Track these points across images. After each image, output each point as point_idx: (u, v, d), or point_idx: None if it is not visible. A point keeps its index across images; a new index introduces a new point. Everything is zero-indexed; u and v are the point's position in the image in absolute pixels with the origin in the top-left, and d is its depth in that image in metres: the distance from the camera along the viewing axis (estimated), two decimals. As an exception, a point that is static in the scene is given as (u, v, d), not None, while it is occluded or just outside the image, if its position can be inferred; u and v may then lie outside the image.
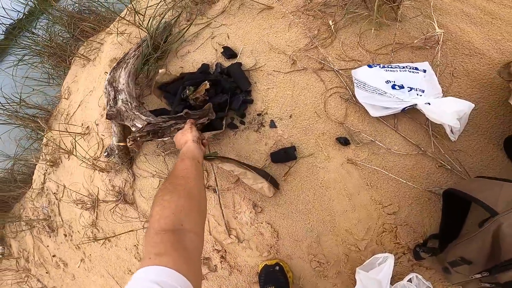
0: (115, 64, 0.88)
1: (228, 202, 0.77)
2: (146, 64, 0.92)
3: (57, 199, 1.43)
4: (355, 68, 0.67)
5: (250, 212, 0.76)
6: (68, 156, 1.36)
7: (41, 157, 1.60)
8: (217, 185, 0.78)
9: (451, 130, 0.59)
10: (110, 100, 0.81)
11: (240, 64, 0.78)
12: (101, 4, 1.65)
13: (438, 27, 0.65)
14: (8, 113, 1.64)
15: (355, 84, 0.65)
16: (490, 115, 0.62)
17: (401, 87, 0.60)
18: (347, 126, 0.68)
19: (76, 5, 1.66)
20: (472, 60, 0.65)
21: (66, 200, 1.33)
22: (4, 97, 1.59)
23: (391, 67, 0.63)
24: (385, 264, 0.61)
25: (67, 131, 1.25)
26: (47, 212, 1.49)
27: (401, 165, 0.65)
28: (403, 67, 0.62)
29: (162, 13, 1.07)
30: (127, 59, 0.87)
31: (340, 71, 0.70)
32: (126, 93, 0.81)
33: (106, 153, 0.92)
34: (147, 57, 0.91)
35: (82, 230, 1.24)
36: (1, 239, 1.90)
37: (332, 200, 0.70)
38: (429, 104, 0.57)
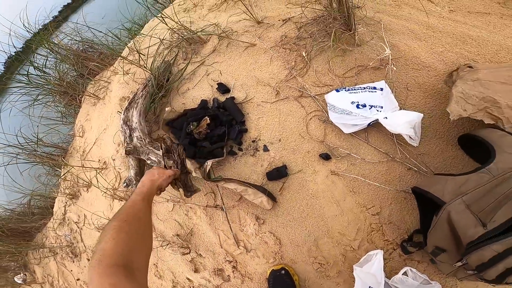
0: (127, 105, 1.06)
1: (234, 218, 0.92)
2: (153, 103, 1.10)
3: (78, 228, 1.60)
4: (327, 92, 0.82)
5: (254, 224, 0.90)
6: (87, 189, 1.54)
7: (60, 191, 1.78)
8: (223, 204, 0.93)
9: (410, 137, 0.72)
10: (126, 137, 0.98)
11: (233, 98, 0.95)
12: (102, 43, 1.88)
13: (388, 47, 0.80)
14: (28, 152, 1.85)
15: (328, 107, 0.80)
16: (444, 120, 0.75)
17: (364, 105, 0.75)
18: (327, 144, 0.83)
19: (80, 43, 1.90)
20: (421, 73, 0.80)
21: (88, 228, 1.50)
22: (23, 137, 1.81)
23: (354, 89, 0.77)
24: (376, 258, 0.73)
25: (86, 166, 1.44)
26: (70, 240, 1.66)
27: (376, 171, 0.78)
28: (364, 88, 0.76)
29: (160, 53, 1.27)
30: (137, 99, 1.06)
31: (316, 97, 0.86)
32: (140, 131, 0.98)
33: (125, 183, 1.08)
34: (153, 96, 1.09)
35: None
36: (24, 266, 2.07)
37: (323, 207, 0.84)
38: (386, 118, 0.71)
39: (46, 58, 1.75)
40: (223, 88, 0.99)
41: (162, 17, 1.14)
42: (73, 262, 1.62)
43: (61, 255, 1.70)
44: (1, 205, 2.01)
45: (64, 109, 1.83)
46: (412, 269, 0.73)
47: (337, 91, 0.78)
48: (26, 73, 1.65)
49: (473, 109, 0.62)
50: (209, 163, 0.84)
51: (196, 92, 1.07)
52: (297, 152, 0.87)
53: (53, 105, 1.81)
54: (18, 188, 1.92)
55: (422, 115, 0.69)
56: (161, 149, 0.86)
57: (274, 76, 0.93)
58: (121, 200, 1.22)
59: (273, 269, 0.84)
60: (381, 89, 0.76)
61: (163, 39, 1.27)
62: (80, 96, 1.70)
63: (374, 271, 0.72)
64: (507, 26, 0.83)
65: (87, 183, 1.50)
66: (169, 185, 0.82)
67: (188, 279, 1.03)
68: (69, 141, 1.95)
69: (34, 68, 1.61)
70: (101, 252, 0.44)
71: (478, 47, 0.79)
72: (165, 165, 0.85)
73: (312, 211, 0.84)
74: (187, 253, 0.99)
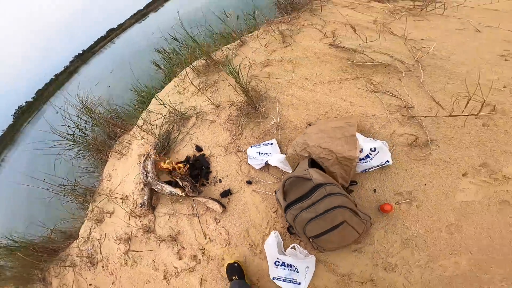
0: (144, 158, 1.90)
1: (203, 220, 1.67)
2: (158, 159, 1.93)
3: (99, 243, 2.27)
4: (248, 148, 1.65)
5: (213, 223, 1.64)
6: (110, 215, 2.27)
7: (88, 218, 2.51)
8: (197, 212, 1.67)
9: (284, 167, 1.51)
10: (144, 177, 1.81)
11: (204, 154, 1.79)
12: (123, 113, 2.85)
13: (277, 117, 1.65)
14: (67, 191, 2.64)
15: (248, 157, 1.62)
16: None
17: (262, 153, 1.57)
18: (250, 175, 1.64)
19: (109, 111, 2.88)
20: (294, 132, 1.63)
21: (107, 242, 2.17)
22: (66, 179, 2.64)
23: (259, 145, 1.61)
24: (274, 235, 1.44)
25: (115, 197, 2.21)
26: (91, 253, 2.29)
27: (273, 188, 1.55)
28: (265, 144, 1.60)
29: (162, 125, 2.17)
30: (150, 155, 1.90)
31: (244, 151, 1.69)
32: (152, 173, 1.82)
33: (141, 204, 1.85)
34: (159, 153, 1.93)
35: (117, 260, 2.04)
36: (43, 279, 2.49)
37: (249, 210, 1.59)
38: (270, 159, 1.52)
39: (86, 122, 2.71)
40: (198, 149, 1.85)
41: (163, 102, 2.07)
42: (89, 270, 2.14)
43: (80, 266, 2.26)
44: (43, 227, 2.73)
45: (95, 161, 2.70)
46: (297, 245, 1.42)
47: (251, 147, 1.63)
48: (71, 133, 2.59)
49: (299, 149, 1.42)
50: (186, 188, 1.62)
51: (184, 151, 1.93)
52: (235, 181, 1.67)
53: (88, 158, 2.68)
54: (57, 217, 2.68)
55: (284, 155, 1.50)
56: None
57: (224, 140, 1.79)
58: (136, 217, 1.96)
59: (229, 262, 1.52)
60: (272, 144, 1.59)
61: (165, 115, 2.19)
62: (107, 152, 2.57)
63: (271, 242, 1.42)
64: (342, 89, 1.69)
65: (110, 211, 2.25)
66: (179, 182, 1.62)
67: (174, 266, 1.71)
68: (96, 185, 2.76)
69: (79, 130, 2.52)
70: None
71: (321, 109, 1.64)
72: (181, 186, 1.66)
73: (244, 213, 1.59)
74: (176, 248, 1.69)
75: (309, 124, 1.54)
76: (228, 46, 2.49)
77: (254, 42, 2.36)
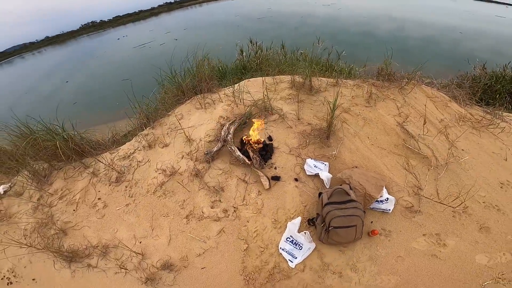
0: (230, 122, 2.58)
1: (249, 187, 2.27)
2: (238, 127, 2.55)
3: (138, 165, 2.80)
4: (307, 159, 2.31)
5: (256, 194, 2.28)
6: (163, 146, 2.81)
7: (136, 139, 3.01)
8: (248, 180, 2.28)
9: (325, 182, 2.19)
10: (225, 134, 2.49)
11: (272, 144, 2.45)
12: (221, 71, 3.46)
13: (335, 150, 2.33)
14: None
15: (305, 163, 2.30)
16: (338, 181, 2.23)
17: (317, 167, 2.25)
18: (299, 176, 2.29)
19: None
20: (342, 166, 2.32)
21: (146, 167, 2.68)
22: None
23: (317, 161, 2.28)
24: (297, 219, 2.09)
25: (174, 130, 2.76)
26: (124, 170, 2.75)
27: (311, 189, 2.21)
28: (321, 162, 2.29)
29: (251, 105, 2.81)
30: (234, 122, 2.57)
31: (303, 158, 2.35)
32: (231, 135, 2.51)
33: (207, 152, 2.44)
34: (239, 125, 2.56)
35: (146, 186, 2.58)
36: (44, 176, 2.63)
37: (286, 197, 2.24)
38: (321, 170, 2.22)
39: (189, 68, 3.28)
40: (270, 138, 2.53)
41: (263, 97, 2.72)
42: (109, 185, 2.55)
43: (100, 178, 2.61)
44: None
45: (173, 101, 3.24)
46: (308, 232, 2.11)
47: (311, 159, 2.33)
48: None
49: (344, 176, 2.18)
50: (254, 161, 2.24)
51: (259, 134, 2.55)
52: (286, 174, 2.39)
53: (170, 93, 3.23)
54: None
55: (331, 175, 2.18)
56: (249, 150, 2.30)
57: (292, 143, 2.54)
58: (192, 160, 2.52)
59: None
60: (325, 164, 2.29)
61: (257, 101, 2.83)
62: (187, 98, 3.13)
63: (296, 222, 2.07)
64: (387, 157, 2.46)
65: (165, 143, 2.79)
66: (250, 153, 2.24)
67: (202, 212, 2.31)
68: (162, 116, 3.29)
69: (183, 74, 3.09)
70: None
71: (367, 162, 2.37)
72: (248, 157, 2.27)
73: (281, 196, 2.29)
74: (214, 198, 2.27)
75: (355, 167, 2.25)
76: (323, 78, 3.21)
77: (345, 88, 3.11)
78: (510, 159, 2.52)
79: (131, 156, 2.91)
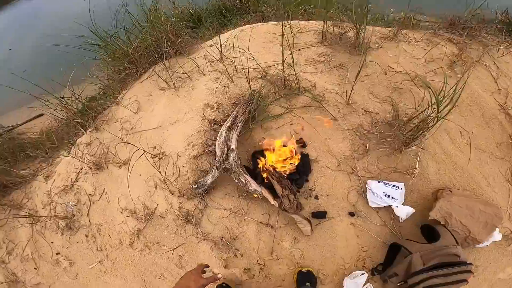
0: (228, 124, 1.32)
1: (277, 234, 1.37)
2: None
3: (90, 201, 1.70)
4: (370, 179, 1.33)
5: (291, 242, 1.38)
6: (120, 166, 1.65)
7: (73, 152, 1.78)
8: (276, 224, 1.35)
9: (400, 219, 1.32)
10: (223, 154, 1.28)
11: (308, 155, 1.34)
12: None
13: (418, 166, 1.34)
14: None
15: (368, 188, 1.31)
16: (424, 214, 1.37)
17: (388, 196, 1.30)
18: (356, 207, 1.36)
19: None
20: (426, 185, 1.38)
21: (103, 204, 1.61)
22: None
23: (387, 184, 1.31)
24: (362, 276, 1.32)
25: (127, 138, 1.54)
26: (72, 211, 1.71)
27: (374, 229, 1.37)
28: (393, 185, 1.31)
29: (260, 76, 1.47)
30: (237, 123, 1.34)
31: (361, 177, 1.36)
32: (236, 153, 1.30)
33: (196, 186, 1.36)
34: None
35: (116, 235, 1.58)
36: None
37: (337, 241, 1.39)
38: (397, 206, 1.29)
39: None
40: (302, 143, 1.37)
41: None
42: (62, 234, 1.68)
43: (45, 224, 1.72)
44: None
45: (114, 77, 1.77)
46: (371, 285, 1.38)
47: (379, 182, 1.31)
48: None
49: (440, 215, 1.26)
50: (285, 201, 1.24)
51: (277, 133, 1.42)
52: (335, 206, 1.39)
53: (112, 68, 1.74)
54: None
55: (413, 210, 1.30)
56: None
57: (341, 151, 1.38)
58: (172, 193, 1.46)
59: (300, 269, 1.35)
60: (400, 188, 1.33)
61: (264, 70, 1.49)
62: (142, 71, 1.69)
63: (359, 282, 1.32)
64: (487, 164, 1.46)
65: (122, 161, 1.62)
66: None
67: (213, 272, 1.40)
68: (103, 105, 1.89)
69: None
70: None
71: (461, 178, 1.41)
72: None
73: (330, 242, 1.39)
74: (224, 254, 1.38)
75: (450, 191, 1.33)
76: (377, 29, 1.74)
77: (409, 45, 1.69)
78: None
79: (75, 186, 1.77)
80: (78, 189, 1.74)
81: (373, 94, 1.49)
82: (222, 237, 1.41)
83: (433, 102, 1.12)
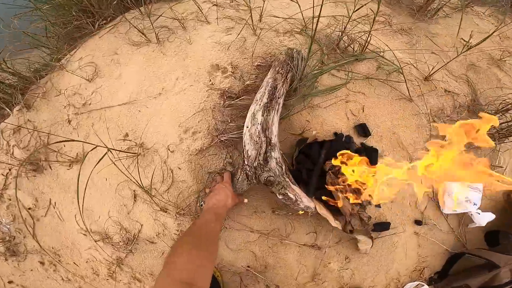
0: (265, 100, 0.75)
1: (323, 255, 0.97)
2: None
3: (32, 218, 1.08)
4: (446, 179, 0.97)
5: (341, 262, 1.00)
6: (70, 165, 1.02)
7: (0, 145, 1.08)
8: (326, 245, 0.95)
9: (477, 225, 1.02)
10: (259, 155, 0.72)
11: (377, 150, 0.90)
12: None
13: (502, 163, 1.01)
14: None
15: (446, 193, 0.96)
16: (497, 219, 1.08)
17: (469, 201, 0.97)
18: (425, 214, 1.01)
19: None
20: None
21: (53, 220, 1.03)
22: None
23: (471, 187, 0.97)
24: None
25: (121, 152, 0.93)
26: (9, 231, 1.12)
27: (440, 237, 1.05)
28: (474, 188, 0.98)
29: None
30: (278, 98, 0.76)
31: (434, 178, 0.99)
32: (279, 150, 0.75)
33: (202, 203, 0.84)
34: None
35: (87, 264, 1.04)
36: None
37: (395, 254, 1.04)
38: (478, 213, 0.97)
39: None
40: (363, 130, 0.91)
41: None
42: (5, 260, 1.13)
43: None
44: None
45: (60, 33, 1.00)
46: None
47: (455, 183, 0.95)
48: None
49: None
50: (354, 221, 0.82)
51: (327, 114, 0.92)
52: (399, 214, 1.00)
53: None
54: None
55: (494, 216, 1.00)
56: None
57: (414, 143, 0.96)
58: (165, 211, 0.92)
59: None
60: (481, 191, 1.00)
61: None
62: (103, 22, 0.96)
63: None
64: None
65: (71, 158, 0.99)
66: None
67: None
68: (40, 72, 1.15)
69: None
70: (172, 265, 0.48)
71: None
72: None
73: (388, 255, 1.03)
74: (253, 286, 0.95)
75: None
76: None
77: (477, 18, 1.28)
78: None
79: (5, 196, 1.07)
80: (10, 200, 1.06)
81: (448, 70, 1.06)
82: (249, 266, 0.96)
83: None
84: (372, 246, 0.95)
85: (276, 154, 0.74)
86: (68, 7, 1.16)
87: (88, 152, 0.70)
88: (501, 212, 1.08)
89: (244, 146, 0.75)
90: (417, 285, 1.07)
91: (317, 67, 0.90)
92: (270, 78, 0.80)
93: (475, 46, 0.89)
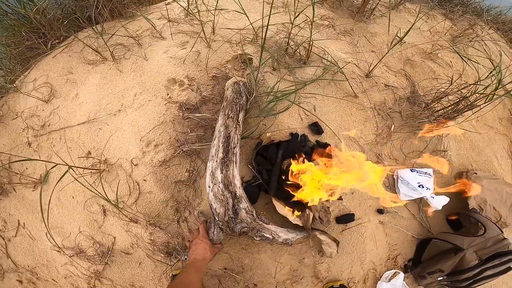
0: (220, 155, 0.88)
1: (297, 251, 1.19)
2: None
3: (3, 238, 1.23)
4: (397, 167, 1.22)
5: (315, 256, 1.21)
6: (35, 186, 1.20)
7: None
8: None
9: (435, 209, 1.27)
10: (228, 210, 0.86)
11: (327, 144, 1.14)
12: None
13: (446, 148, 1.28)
14: None
15: (399, 179, 1.21)
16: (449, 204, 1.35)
17: (422, 186, 1.23)
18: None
19: None
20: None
21: (26, 239, 1.20)
22: None
23: (419, 172, 1.23)
24: (399, 276, 1.26)
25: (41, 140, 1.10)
26: None
27: (404, 224, 1.29)
28: (425, 173, 1.23)
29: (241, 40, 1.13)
30: (234, 148, 0.90)
31: (386, 166, 1.24)
32: (246, 200, 0.89)
33: (185, 257, 0.98)
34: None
35: (65, 280, 1.20)
36: None
37: (366, 244, 1.25)
38: (432, 197, 1.22)
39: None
40: (316, 129, 1.15)
41: None
42: None
43: None
44: None
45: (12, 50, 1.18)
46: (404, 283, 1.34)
47: (412, 170, 1.20)
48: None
49: (475, 203, 1.25)
50: (311, 214, 1.05)
51: (282, 116, 1.15)
52: (362, 205, 1.23)
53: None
54: None
55: (448, 199, 1.26)
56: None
57: (365, 135, 1.20)
58: (135, 222, 1.12)
59: (332, 285, 1.21)
60: (431, 175, 1.26)
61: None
62: (55, 41, 1.15)
63: (398, 284, 1.27)
64: (496, 142, 1.48)
65: (36, 179, 1.17)
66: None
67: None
68: None
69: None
70: None
71: (479, 158, 1.39)
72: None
73: (358, 246, 1.24)
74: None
75: (475, 173, 1.33)
76: None
77: (411, 16, 1.56)
78: None
79: None
80: None
81: (387, 66, 1.31)
82: (226, 268, 1.17)
83: (483, 77, 1.01)
84: (337, 249, 1.16)
85: (244, 204, 0.88)
86: (17, 28, 1.34)
87: (48, 171, 0.88)
88: (456, 194, 1.35)
89: (211, 205, 0.88)
90: (394, 273, 1.30)
91: (269, 96, 1.12)
92: (222, 125, 0.94)
93: (399, 42, 1.14)
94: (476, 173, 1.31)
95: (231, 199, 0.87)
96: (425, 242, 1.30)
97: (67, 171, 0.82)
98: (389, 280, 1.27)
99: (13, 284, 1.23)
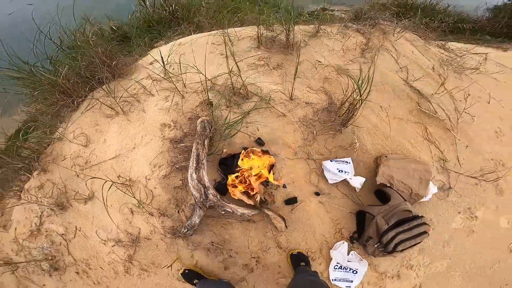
0: (194, 165, 1.61)
1: (261, 227, 1.87)
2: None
3: (65, 240, 1.95)
4: (324, 159, 1.87)
5: (274, 231, 1.90)
6: (85, 201, 1.98)
7: (30, 199, 2.05)
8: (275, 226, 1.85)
9: (357, 188, 1.91)
10: (202, 194, 1.57)
11: (267, 152, 1.83)
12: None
13: (356, 141, 1.93)
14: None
15: (324, 169, 1.86)
16: (372, 181, 1.98)
17: (342, 171, 1.87)
18: (319, 187, 1.88)
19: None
20: (366, 157, 1.99)
21: (82, 239, 1.93)
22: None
23: (338, 161, 1.87)
24: (343, 245, 1.85)
25: (86, 172, 1.88)
26: (50, 252, 1.94)
27: (340, 202, 1.90)
28: (343, 161, 1.86)
29: (203, 90, 1.86)
30: (202, 160, 1.61)
31: (316, 160, 1.90)
32: (212, 188, 1.59)
33: (186, 229, 1.64)
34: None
35: (108, 266, 1.84)
36: None
37: (313, 220, 1.87)
38: (351, 179, 1.85)
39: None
40: (260, 142, 1.84)
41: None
42: (50, 276, 1.91)
43: (26, 269, 1.94)
44: None
45: (46, 110, 1.99)
46: (355, 252, 1.83)
47: (331, 161, 1.84)
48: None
49: (384, 179, 1.85)
50: (258, 196, 1.73)
51: (236, 137, 1.85)
52: (302, 190, 1.84)
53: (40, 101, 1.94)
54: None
55: (364, 179, 1.88)
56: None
57: (295, 142, 1.84)
58: (152, 215, 1.87)
59: (291, 252, 1.78)
60: (349, 162, 1.89)
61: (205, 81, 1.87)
62: (79, 100, 1.95)
63: (343, 250, 1.89)
64: (406, 129, 2.00)
65: (86, 196, 1.95)
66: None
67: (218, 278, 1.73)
68: (43, 142, 2.11)
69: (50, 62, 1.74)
70: None
71: (391, 144, 1.99)
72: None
73: (307, 222, 1.85)
74: (220, 256, 1.77)
75: (385, 156, 1.93)
76: (301, 27, 2.17)
77: (329, 39, 2.15)
78: (492, 100, 2.47)
79: (42, 230, 2.01)
80: (47, 231, 1.95)
81: (310, 87, 1.91)
82: (213, 242, 1.85)
83: (355, 88, 1.67)
84: (285, 225, 1.72)
85: (211, 191, 1.57)
86: (51, 92, 2.10)
87: (103, 186, 1.65)
88: (373, 174, 1.97)
89: (192, 193, 1.59)
90: (343, 243, 1.82)
91: (227, 126, 1.80)
92: (195, 149, 1.64)
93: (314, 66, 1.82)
94: (386, 156, 1.91)
95: (203, 188, 1.58)
96: (360, 215, 1.81)
97: (112, 185, 1.57)
98: (337, 249, 1.80)
99: (72, 276, 1.85)
